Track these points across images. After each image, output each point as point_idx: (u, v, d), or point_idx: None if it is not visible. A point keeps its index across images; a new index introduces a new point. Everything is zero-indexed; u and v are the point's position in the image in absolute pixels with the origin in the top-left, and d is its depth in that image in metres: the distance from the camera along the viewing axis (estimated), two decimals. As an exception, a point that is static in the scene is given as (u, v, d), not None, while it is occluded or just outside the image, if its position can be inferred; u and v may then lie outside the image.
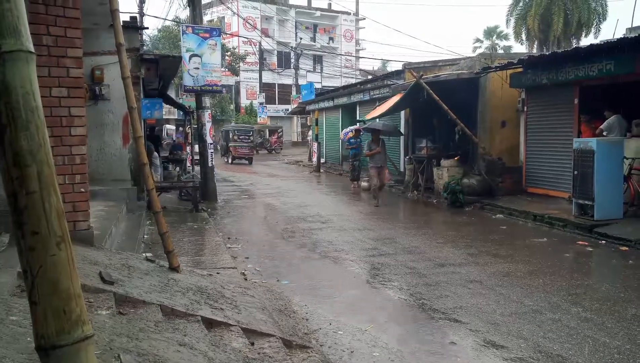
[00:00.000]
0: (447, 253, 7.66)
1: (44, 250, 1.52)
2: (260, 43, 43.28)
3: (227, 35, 44.33)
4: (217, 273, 5.68)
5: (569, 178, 10.15)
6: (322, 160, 23.74)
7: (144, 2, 31.22)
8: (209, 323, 3.69)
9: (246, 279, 5.92)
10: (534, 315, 5.02)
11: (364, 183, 16.25)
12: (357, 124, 19.03)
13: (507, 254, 7.55)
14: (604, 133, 10.00)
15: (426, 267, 6.84)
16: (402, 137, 17.41)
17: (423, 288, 5.96)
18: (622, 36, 9.94)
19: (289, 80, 47.55)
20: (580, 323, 4.79)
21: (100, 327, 2.96)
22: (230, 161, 28.30)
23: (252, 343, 3.61)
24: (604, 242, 8.21)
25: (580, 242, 8.28)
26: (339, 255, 7.55)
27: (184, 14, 26.55)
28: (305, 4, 55.74)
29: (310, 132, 30.02)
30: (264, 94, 44.56)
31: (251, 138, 30.92)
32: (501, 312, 5.13)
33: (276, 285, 5.98)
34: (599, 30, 33.72)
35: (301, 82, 41.67)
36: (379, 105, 17.29)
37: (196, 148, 15.32)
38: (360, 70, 51.45)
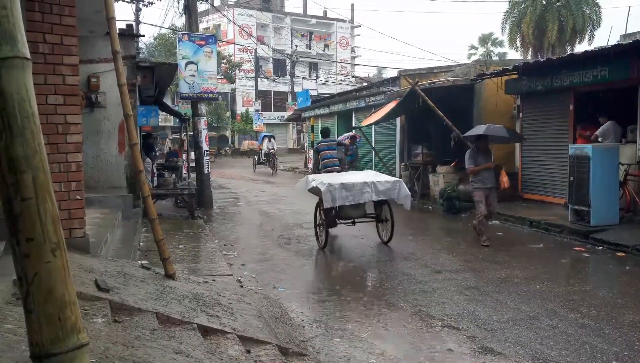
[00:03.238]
0: (444, 259, 7.66)
1: (39, 257, 1.51)
2: (256, 50, 43.37)
3: (223, 43, 44.46)
4: (213, 280, 5.66)
5: (564, 184, 10.19)
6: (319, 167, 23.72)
7: (140, 10, 31.26)
8: (205, 331, 3.66)
9: (242, 286, 5.90)
10: (531, 322, 5.01)
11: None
12: (353, 131, 19.06)
13: (504, 260, 7.55)
14: (599, 139, 10.04)
15: (423, 274, 6.83)
16: (397, 143, 17.44)
17: (419, 294, 5.95)
18: (617, 43, 10.00)
19: (284, 88, 47.67)
20: (578, 330, 4.79)
21: (95, 335, 2.93)
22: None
23: (249, 351, 3.59)
24: (600, 248, 8.22)
25: (576, 248, 8.29)
26: (335, 262, 7.53)
27: (180, 21, 26.58)
28: (300, 11, 55.97)
29: (305, 138, 30.03)
30: (259, 101, 44.62)
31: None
32: (498, 318, 5.12)
33: (272, 292, 5.96)
34: (593, 37, 34.03)
35: (297, 89, 41.82)
36: (374, 112, 17.33)
37: (192, 155, 15.31)
38: (355, 77, 51.66)
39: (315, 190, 8.44)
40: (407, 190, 8.68)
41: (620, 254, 7.78)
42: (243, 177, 23.59)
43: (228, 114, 46.83)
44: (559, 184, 11.23)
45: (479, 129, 9.32)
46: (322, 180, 8.44)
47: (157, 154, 17.09)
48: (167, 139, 29.66)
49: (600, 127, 10.22)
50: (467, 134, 9.58)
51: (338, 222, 8.51)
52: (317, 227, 8.72)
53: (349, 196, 8.06)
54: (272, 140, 27.33)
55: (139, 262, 5.54)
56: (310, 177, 9.11)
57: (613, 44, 9.81)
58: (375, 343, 4.52)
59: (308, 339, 4.51)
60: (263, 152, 27.00)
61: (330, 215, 8.36)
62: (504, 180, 9.04)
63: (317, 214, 8.74)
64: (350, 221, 8.69)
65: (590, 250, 8.13)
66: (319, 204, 8.58)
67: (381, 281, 6.58)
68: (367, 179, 8.55)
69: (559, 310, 5.35)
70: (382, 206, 8.75)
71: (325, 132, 11.38)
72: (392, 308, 5.56)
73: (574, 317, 5.14)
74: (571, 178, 9.36)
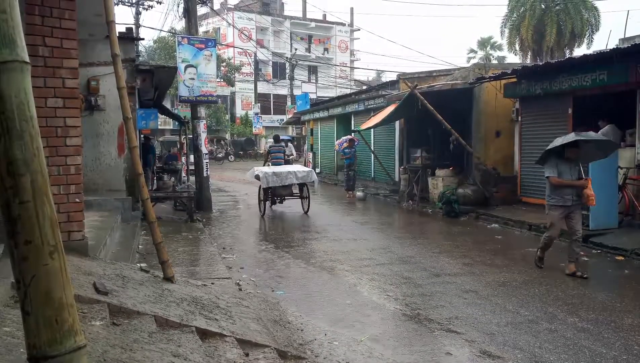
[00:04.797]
0: (443, 263, 7.66)
1: (36, 259, 1.52)
2: (255, 54, 43.46)
3: (223, 46, 44.51)
4: (212, 283, 5.65)
5: (563, 187, 10.18)
6: (317, 170, 23.75)
7: (140, 14, 31.39)
8: (204, 334, 3.66)
9: (241, 289, 5.89)
10: (530, 325, 5.02)
11: (359, 193, 16.30)
12: (352, 134, 19.09)
13: (503, 264, 7.55)
14: (598, 143, 10.04)
15: (422, 277, 6.83)
16: (396, 147, 17.48)
17: (418, 298, 5.95)
18: (615, 46, 10.03)
19: (284, 91, 47.73)
20: (577, 334, 4.79)
21: (94, 337, 2.93)
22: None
23: (247, 354, 3.59)
24: (599, 251, 8.23)
25: (575, 252, 8.28)
26: (334, 265, 7.54)
27: (180, 25, 26.62)
28: (300, 15, 56.09)
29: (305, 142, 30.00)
30: (259, 104, 44.65)
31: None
32: (497, 322, 5.12)
33: (271, 296, 5.96)
34: (592, 41, 34.09)
35: (296, 92, 41.88)
36: (373, 115, 17.35)
37: (191, 158, 15.31)
38: (355, 80, 51.70)
39: (257, 177, 12.38)
40: (316, 176, 13.06)
41: (619, 258, 7.78)
42: (241, 181, 23.49)
43: (227, 117, 46.87)
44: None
45: (568, 137, 7.06)
46: (262, 170, 12.83)
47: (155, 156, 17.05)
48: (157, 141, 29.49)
49: (599, 130, 10.23)
50: (552, 145, 7.07)
51: (277, 200, 12.86)
52: (260, 202, 12.63)
53: (277, 180, 12.12)
54: (289, 144, 24.20)
55: (138, 264, 5.53)
56: (256, 168, 13.30)
57: (612, 47, 9.84)
58: (373, 347, 4.52)
59: (306, 342, 4.51)
60: None
61: (267, 193, 12.38)
62: (590, 195, 6.79)
63: (260, 193, 12.63)
64: (282, 197, 12.81)
65: (589, 254, 8.14)
66: (260, 186, 12.36)
67: (380, 284, 6.57)
68: (291, 169, 12.90)
69: (558, 313, 5.35)
70: (302, 188, 12.88)
71: (276, 138, 16.38)
72: (390, 312, 5.56)
73: (573, 320, 5.14)
74: (570, 181, 9.35)
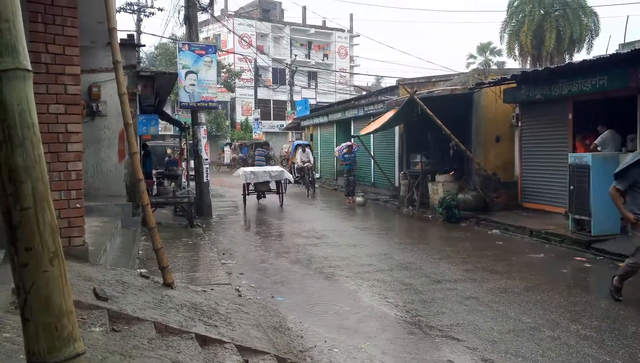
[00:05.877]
0: (443, 269, 7.64)
1: (36, 266, 1.52)
2: (255, 60, 43.52)
3: (223, 52, 44.64)
4: (212, 289, 5.64)
5: (564, 193, 10.19)
6: (317, 176, 23.76)
7: (141, 21, 31.49)
8: (203, 341, 3.65)
9: (240, 295, 5.88)
10: (532, 333, 4.99)
11: (359, 199, 16.29)
12: (352, 139, 19.10)
13: (504, 270, 7.53)
14: (599, 148, 10.06)
15: (422, 283, 6.81)
16: (396, 152, 17.49)
17: (419, 305, 5.93)
18: (615, 52, 10.04)
19: (284, 97, 47.78)
20: (580, 341, 4.76)
21: (93, 344, 2.92)
22: None
23: (247, 361, 3.57)
24: (601, 257, 8.21)
25: (577, 258, 8.28)
26: (334, 271, 7.52)
27: (181, 31, 26.69)
28: (300, 21, 56.25)
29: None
30: (259, 110, 44.71)
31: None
32: (499, 329, 5.10)
33: (271, 302, 5.94)
34: (592, 46, 34.16)
35: (296, 98, 41.93)
36: (373, 121, 17.38)
37: (191, 163, 15.34)
38: (354, 86, 51.78)
39: (239, 175, 15.51)
40: (290, 175, 16.32)
41: (621, 264, 7.74)
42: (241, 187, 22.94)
43: (228, 122, 46.90)
44: (559, 193, 11.23)
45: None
46: (244, 169, 16.15)
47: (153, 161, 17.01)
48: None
49: (600, 136, 10.24)
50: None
51: (257, 194, 15.92)
52: (243, 196, 15.21)
53: (254, 177, 15.07)
54: (307, 149, 21.12)
55: (138, 270, 5.52)
56: (240, 169, 16.75)
57: (612, 53, 9.85)
58: (374, 354, 4.50)
59: (306, 349, 4.49)
60: (296, 166, 21.39)
61: (247, 188, 15.26)
62: None
63: (243, 188, 15.26)
64: (261, 192, 15.78)
65: (591, 260, 8.12)
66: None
67: (380, 291, 6.56)
68: (267, 169, 16.12)
69: (561, 321, 5.33)
70: (278, 185, 15.66)
71: (260, 145, 21.22)
72: (391, 318, 5.54)
73: (576, 328, 5.11)
74: (571, 187, 9.37)
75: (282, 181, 15.58)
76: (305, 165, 19.78)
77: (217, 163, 34.29)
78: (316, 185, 20.72)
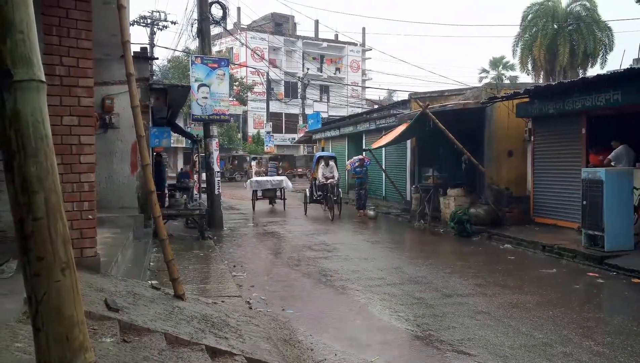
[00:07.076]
0: (455, 283, 7.57)
1: (48, 276, 1.53)
2: (267, 73, 43.84)
3: (235, 66, 44.99)
4: (222, 301, 5.64)
5: (577, 208, 10.08)
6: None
7: (155, 34, 31.91)
8: (213, 352, 3.64)
9: (251, 308, 5.87)
10: (544, 349, 4.92)
11: (370, 212, 16.24)
12: (364, 153, 19.10)
13: (516, 285, 7.45)
14: (612, 163, 9.96)
15: (433, 298, 6.75)
16: (407, 166, 17.43)
17: (430, 319, 5.88)
18: (629, 67, 9.98)
19: (296, 110, 48.04)
20: (592, 358, 4.69)
21: (104, 354, 2.93)
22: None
23: (257, 374, 3.56)
24: (614, 273, 8.09)
25: (590, 274, 8.17)
26: (344, 285, 7.49)
27: (194, 44, 27.00)
28: (312, 35, 56.63)
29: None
30: (271, 123, 44.93)
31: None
32: (510, 344, 5.03)
33: (281, 314, 5.92)
34: (606, 61, 33.97)
35: (308, 111, 42.11)
36: (385, 135, 17.37)
37: (203, 176, 15.42)
38: (366, 99, 51.91)
39: (247, 185, 19.19)
40: (290, 183, 19.57)
41: (635, 280, 7.64)
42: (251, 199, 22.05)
43: (240, 135, 47.20)
44: (571, 208, 11.12)
45: None
46: (252, 179, 19.81)
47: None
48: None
49: (613, 151, 10.14)
50: None
51: (268, 200, 18.95)
52: (252, 201, 17.98)
53: (258, 185, 18.22)
54: (330, 163, 16.98)
55: (149, 282, 5.54)
56: (248, 180, 20.87)
57: (626, 67, 9.79)
58: (384, 368, 4.46)
59: (317, 362, 4.46)
60: (317, 182, 16.92)
61: (256, 195, 18.13)
62: None
63: (252, 195, 18.15)
64: (270, 198, 18.87)
65: (604, 276, 8.00)
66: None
67: (391, 304, 6.51)
68: (269, 179, 19.60)
69: (573, 337, 5.25)
70: (282, 192, 18.71)
71: (272, 158, 29.73)
72: (402, 333, 5.49)
73: (588, 344, 5.03)
74: (584, 202, 9.27)
75: (280, 188, 18.59)
76: (328, 181, 15.94)
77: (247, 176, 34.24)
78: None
